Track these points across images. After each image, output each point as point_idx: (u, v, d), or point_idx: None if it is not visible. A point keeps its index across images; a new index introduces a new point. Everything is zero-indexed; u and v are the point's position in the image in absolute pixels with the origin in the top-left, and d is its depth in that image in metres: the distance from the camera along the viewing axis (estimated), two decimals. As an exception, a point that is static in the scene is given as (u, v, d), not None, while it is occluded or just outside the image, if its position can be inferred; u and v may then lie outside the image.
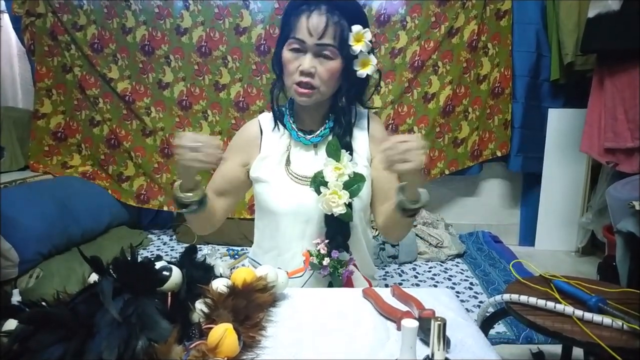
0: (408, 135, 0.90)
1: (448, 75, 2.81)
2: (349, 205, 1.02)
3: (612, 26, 2.09)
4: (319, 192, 1.01)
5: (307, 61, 1.01)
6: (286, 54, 1.04)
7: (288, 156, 1.12)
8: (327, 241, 1.06)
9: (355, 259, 1.11)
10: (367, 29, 1.03)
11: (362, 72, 1.05)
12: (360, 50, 1.02)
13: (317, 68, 1.01)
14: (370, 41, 1.03)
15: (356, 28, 1.01)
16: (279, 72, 1.10)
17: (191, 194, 0.99)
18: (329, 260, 1.05)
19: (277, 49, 1.09)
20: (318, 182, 1.01)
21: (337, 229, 1.07)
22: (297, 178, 1.09)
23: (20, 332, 0.57)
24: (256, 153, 1.15)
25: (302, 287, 1.07)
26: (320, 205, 1.01)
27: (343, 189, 1.00)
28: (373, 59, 1.05)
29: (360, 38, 1.02)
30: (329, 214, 1.01)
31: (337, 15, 1.00)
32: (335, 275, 1.06)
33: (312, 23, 0.99)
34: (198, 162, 0.91)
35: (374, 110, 1.24)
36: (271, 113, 1.18)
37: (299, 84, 1.02)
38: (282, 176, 1.10)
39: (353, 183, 1.01)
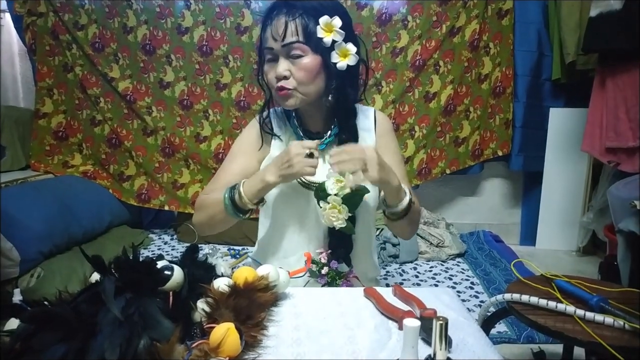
0: (353, 146, 0.96)
1: (449, 74, 2.81)
2: (351, 219, 1.01)
3: (613, 26, 2.08)
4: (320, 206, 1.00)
5: (280, 66, 1.00)
6: (265, 66, 1.04)
7: None
8: (329, 251, 1.06)
9: (360, 265, 1.11)
10: (335, 17, 0.97)
11: (342, 63, 1.00)
12: (334, 41, 0.98)
13: (292, 70, 1.00)
14: (343, 28, 0.97)
15: (324, 19, 0.96)
16: (266, 85, 1.09)
17: (256, 201, 1.01)
18: (327, 270, 1.05)
19: (260, 64, 1.08)
20: (319, 195, 1.00)
21: (339, 241, 1.07)
22: (305, 183, 1.08)
23: (22, 331, 0.57)
24: (267, 147, 1.14)
25: (303, 287, 1.07)
26: (322, 220, 1.00)
27: (343, 202, 0.97)
28: (352, 48, 0.99)
29: (330, 28, 0.97)
30: (331, 227, 1.01)
31: (297, 13, 0.98)
32: (333, 286, 1.06)
33: (274, 28, 0.99)
34: (312, 168, 0.94)
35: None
36: (280, 110, 1.17)
37: (277, 89, 1.02)
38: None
39: (354, 196, 0.98)
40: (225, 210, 1.00)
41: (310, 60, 1.00)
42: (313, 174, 0.95)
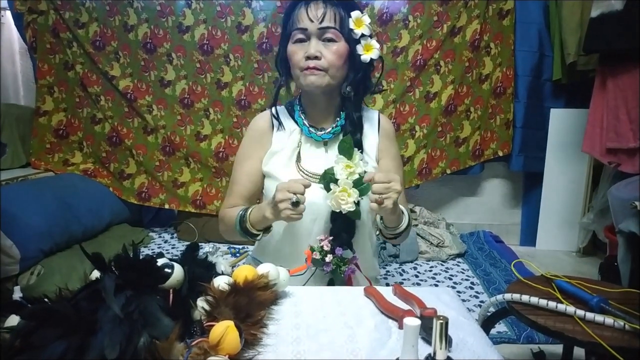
0: (387, 176, 0.94)
1: (450, 74, 2.81)
2: (358, 204, 1.02)
3: (615, 26, 2.08)
4: (328, 189, 1.01)
5: (312, 45, 1.04)
6: (291, 47, 1.07)
7: (299, 152, 1.12)
8: (330, 238, 1.07)
9: (359, 259, 1.11)
10: (365, 14, 1.07)
11: (366, 56, 1.07)
12: (362, 34, 1.06)
13: (323, 51, 1.04)
14: (370, 25, 1.07)
15: (355, 13, 1.05)
16: (284, 70, 1.12)
17: (261, 229, 1.06)
18: (331, 257, 1.05)
19: (281, 47, 1.11)
20: (328, 178, 1.01)
21: (342, 227, 1.07)
22: (307, 175, 1.09)
23: (22, 328, 0.57)
24: (268, 145, 1.15)
25: (303, 285, 1.07)
26: (328, 202, 1.01)
27: (353, 187, 0.99)
28: (375, 44, 1.08)
29: (360, 23, 1.06)
30: (337, 211, 1.01)
31: (334, 4, 1.05)
32: (337, 273, 1.06)
33: (312, 10, 1.04)
34: (297, 216, 0.95)
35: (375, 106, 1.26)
36: (282, 107, 1.18)
37: (307, 68, 1.04)
38: (293, 173, 1.10)
39: (363, 182, 1.01)
40: (237, 232, 1.06)
41: (341, 46, 1.06)
42: (298, 219, 0.96)
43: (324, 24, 1.04)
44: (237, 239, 1.16)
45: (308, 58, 1.04)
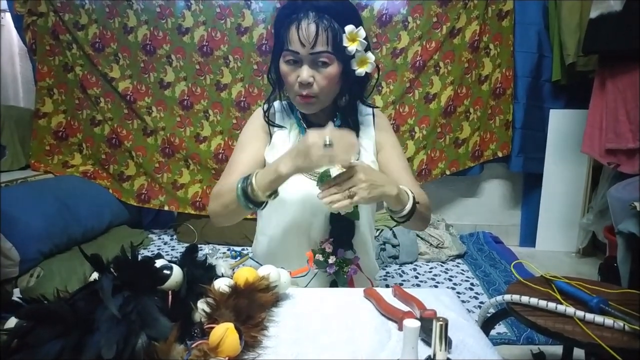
0: (350, 170, 0.89)
1: (449, 75, 2.81)
2: (356, 205, 1.01)
3: (614, 27, 2.08)
4: None
5: (304, 72, 1.00)
6: (283, 66, 1.03)
7: None
8: (331, 240, 1.06)
9: (360, 254, 1.11)
10: (360, 27, 0.99)
11: (361, 70, 1.03)
12: (357, 50, 1.00)
13: (316, 77, 1.00)
14: (365, 38, 1.00)
15: (349, 28, 0.98)
16: (274, 81, 1.10)
17: (269, 193, 0.95)
18: (334, 259, 1.05)
19: (274, 60, 1.07)
20: (324, 180, 1.00)
21: (341, 228, 1.07)
22: (306, 173, 1.08)
23: (19, 328, 0.57)
24: (270, 138, 1.15)
25: (305, 286, 1.07)
26: (327, 206, 1.00)
27: None
28: (371, 57, 1.03)
29: (354, 37, 0.99)
30: (335, 213, 1.01)
31: (326, 20, 0.98)
32: (340, 274, 1.06)
33: (303, 33, 0.97)
34: (329, 159, 0.86)
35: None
36: (284, 102, 1.17)
37: (300, 95, 1.02)
38: None
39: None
40: (237, 200, 0.95)
41: (334, 69, 1.01)
42: (332, 164, 0.90)
43: (316, 49, 0.97)
44: (230, 218, 1.05)
45: (300, 84, 1.01)
